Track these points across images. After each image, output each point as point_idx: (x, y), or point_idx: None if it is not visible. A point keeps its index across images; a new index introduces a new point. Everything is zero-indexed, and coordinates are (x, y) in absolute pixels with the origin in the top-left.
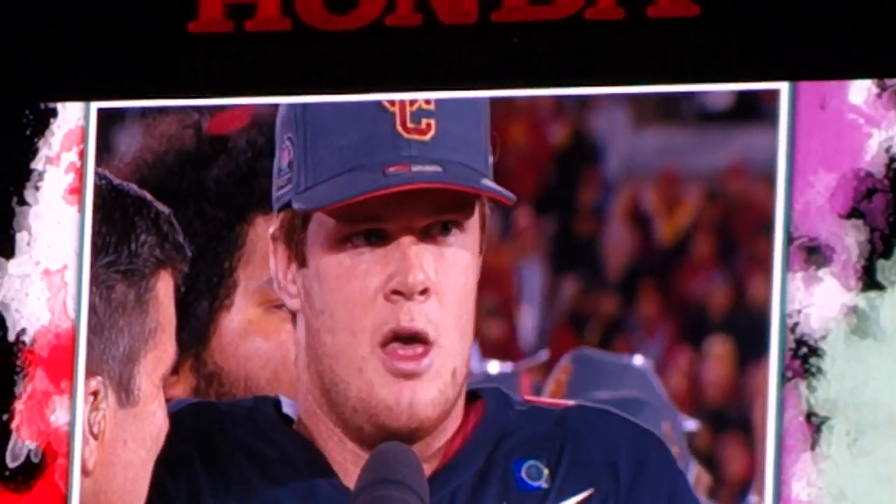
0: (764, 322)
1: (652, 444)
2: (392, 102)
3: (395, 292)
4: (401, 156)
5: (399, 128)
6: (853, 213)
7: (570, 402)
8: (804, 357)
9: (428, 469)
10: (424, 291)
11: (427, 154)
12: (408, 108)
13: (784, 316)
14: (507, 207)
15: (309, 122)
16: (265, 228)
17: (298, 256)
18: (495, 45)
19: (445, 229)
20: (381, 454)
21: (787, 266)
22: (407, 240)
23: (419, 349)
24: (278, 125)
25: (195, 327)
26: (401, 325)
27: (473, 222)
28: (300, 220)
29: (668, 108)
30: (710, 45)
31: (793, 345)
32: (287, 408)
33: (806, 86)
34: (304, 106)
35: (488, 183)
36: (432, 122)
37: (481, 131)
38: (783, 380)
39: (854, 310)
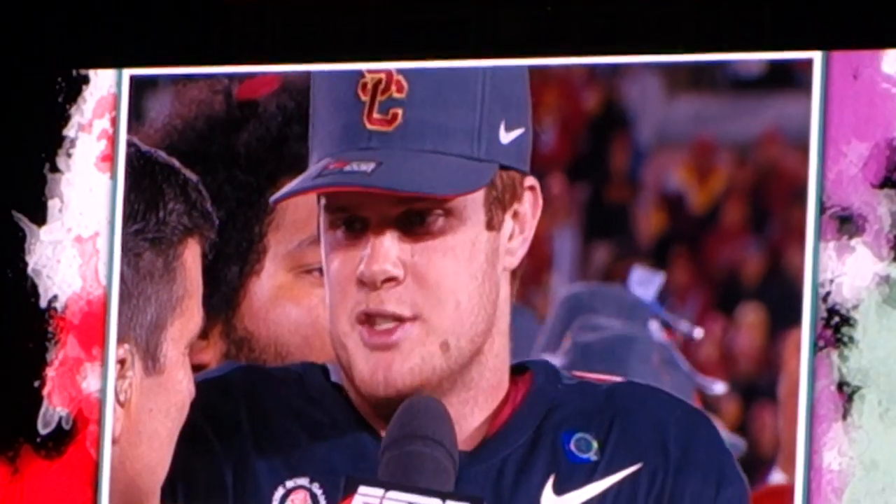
0: (796, 291)
1: (701, 421)
2: (365, 91)
3: (361, 281)
4: (357, 147)
5: (365, 119)
6: (886, 182)
7: (619, 378)
8: (836, 326)
9: (477, 438)
10: (390, 280)
11: (385, 145)
12: (378, 98)
13: (816, 285)
14: (540, 175)
15: (315, 105)
16: None
17: (319, 231)
18: (529, 13)
19: (423, 216)
20: (409, 408)
21: (820, 235)
22: (380, 229)
23: (391, 326)
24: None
25: (225, 293)
26: (370, 307)
27: (465, 202)
28: (316, 199)
29: (700, 76)
30: (744, 14)
31: (825, 314)
32: (334, 375)
33: (839, 55)
34: (313, 89)
35: (441, 173)
36: (400, 111)
37: (474, 112)
38: (815, 349)
39: (886, 279)
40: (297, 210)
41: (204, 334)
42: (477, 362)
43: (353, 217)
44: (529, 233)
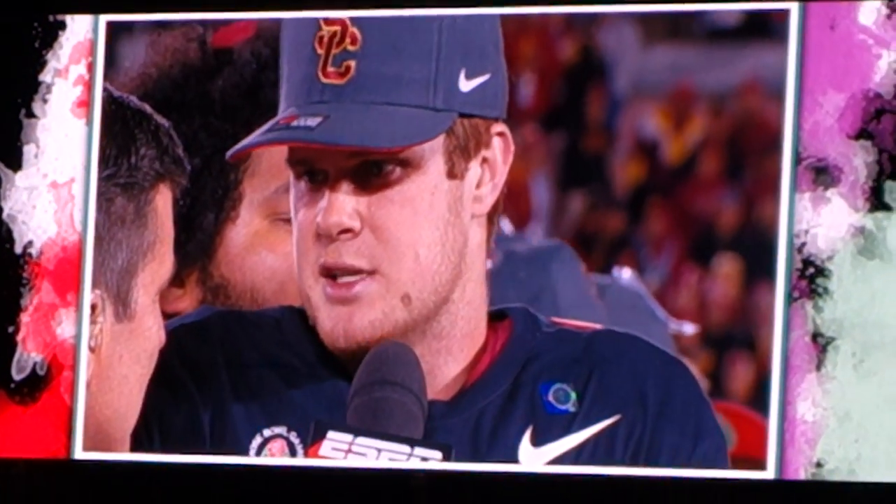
0: (771, 241)
1: (679, 371)
2: (322, 44)
3: (318, 233)
4: (310, 101)
5: (319, 72)
6: (861, 133)
7: (598, 326)
8: (811, 277)
9: (455, 387)
10: (345, 231)
11: (336, 97)
12: (332, 51)
13: (791, 236)
14: (515, 123)
15: (282, 58)
16: None
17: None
18: None
19: (378, 167)
20: (378, 354)
21: (795, 186)
22: (336, 181)
23: (351, 279)
24: None
25: (200, 240)
26: (328, 261)
27: (422, 152)
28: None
29: (677, 26)
30: None
31: (800, 265)
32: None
33: (816, 6)
34: (282, 42)
35: (395, 124)
36: (352, 63)
37: (429, 62)
38: (790, 300)
39: (861, 230)
40: (273, 157)
41: (180, 282)
42: (446, 311)
43: (313, 169)
44: (500, 178)
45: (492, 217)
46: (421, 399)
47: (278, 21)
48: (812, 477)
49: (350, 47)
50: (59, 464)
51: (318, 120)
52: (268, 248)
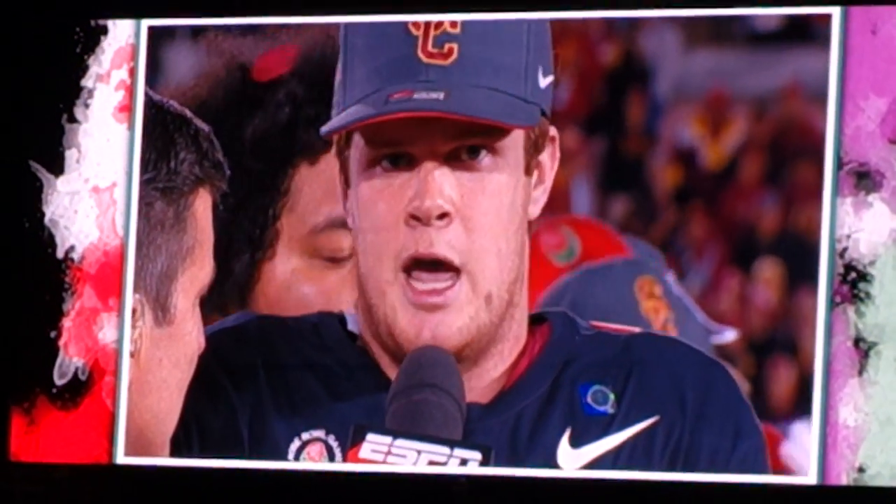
0: (813, 247)
1: (719, 373)
2: (417, 26)
3: (413, 217)
4: (416, 80)
5: (420, 52)
6: None
7: (636, 329)
8: (853, 282)
9: (494, 390)
10: (443, 216)
11: (444, 78)
12: (431, 32)
13: (833, 241)
14: (556, 128)
15: (350, 43)
16: (310, 174)
17: (346, 176)
18: None
19: (473, 153)
20: (417, 358)
21: (837, 191)
22: (430, 164)
23: (444, 279)
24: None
25: (237, 279)
26: (419, 251)
27: (511, 144)
28: (344, 142)
29: (719, 30)
30: None
31: (841, 270)
32: (352, 324)
33: (858, 10)
34: (347, 27)
35: (503, 107)
36: (455, 46)
37: (521, 53)
38: (831, 305)
39: None
40: (313, 189)
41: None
42: (509, 314)
43: (400, 153)
44: (549, 183)
45: (531, 222)
46: (459, 402)
47: (316, 53)
48: (854, 482)
49: (450, 29)
50: (101, 468)
51: (440, 94)
52: (309, 282)
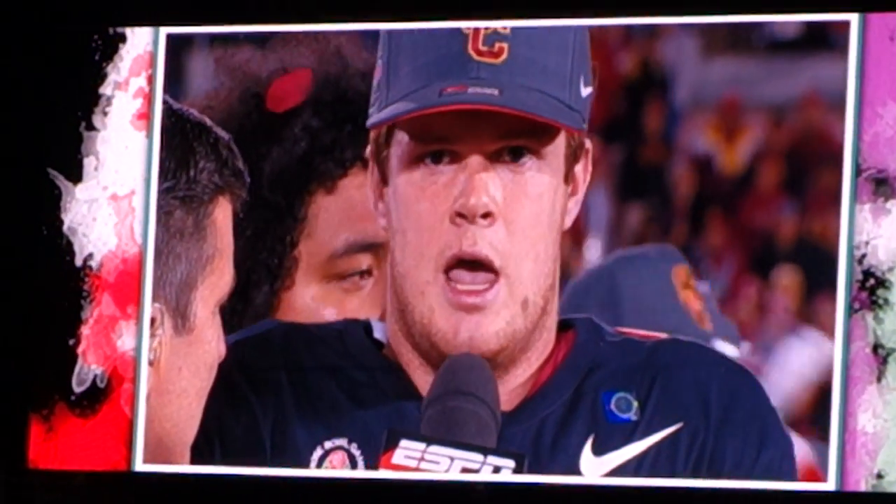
0: (831, 253)
1: (745, 380)
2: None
3: (459, 214)
4: (467, 77)
5: (470, 50)
6: None
7: (663, 335)
8: (871, 289)
9: (518, 397)
10: (487, 215)
11: (494, 77)
12: (482, 32)
13: (851, 247)
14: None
15: (394, 41)
16: (326, 200)
17: (383, 175)
18: None
19: (517, 155)
20: (453, 365)
21: (856, 197)
22: (476, 162)
23: (483, 281)
24: (379, 44)
25: (256, 311)
26: (463, 249)
27: (553, 150)
28: (384, 139)
29: (737, 38)
30: None
31: (860, 276)
32: (377, 332)
33: (876, 17)
34: (389, 33)
35: (553, 110)
36: (505, 45)
37: (567, 59)
38: (850, 311)
39: None
40: (330, 215)
41: None
42: (541, 322)
43: (444, 150)
44: (581, 195)
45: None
46: (494, 409)
47: (329, 76)
48: (872, 488)
49: (500, 30)
50: (119, 476)
51: (495, 91)
52: (331, 305)
